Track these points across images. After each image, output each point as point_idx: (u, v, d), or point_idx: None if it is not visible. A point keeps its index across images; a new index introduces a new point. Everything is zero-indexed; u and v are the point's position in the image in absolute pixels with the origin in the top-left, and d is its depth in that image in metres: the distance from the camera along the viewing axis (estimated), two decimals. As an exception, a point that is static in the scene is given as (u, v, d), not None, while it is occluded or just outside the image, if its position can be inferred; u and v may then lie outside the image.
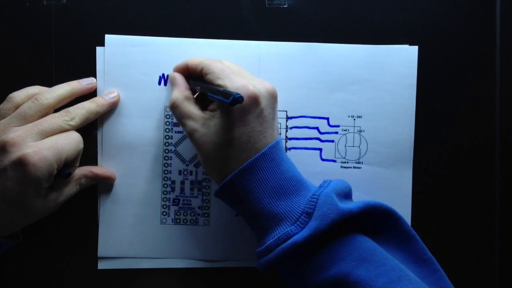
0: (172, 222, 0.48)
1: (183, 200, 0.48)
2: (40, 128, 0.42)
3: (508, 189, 0.49)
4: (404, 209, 0.48)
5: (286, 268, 0.40)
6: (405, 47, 0.48)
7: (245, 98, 0.38)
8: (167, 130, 0.48)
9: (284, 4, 0.48)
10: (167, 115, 0.48)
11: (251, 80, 0.40)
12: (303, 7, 0.48)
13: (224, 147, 0.39)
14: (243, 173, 0.39)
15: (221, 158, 0.40)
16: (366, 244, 0.38)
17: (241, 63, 0.47)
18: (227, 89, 0.39)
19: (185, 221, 0.48)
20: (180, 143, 0.48)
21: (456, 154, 0.49)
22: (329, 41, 0.48)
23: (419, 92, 0.48)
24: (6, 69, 0.48)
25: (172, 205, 0.48)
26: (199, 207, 0.48)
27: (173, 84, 0.45)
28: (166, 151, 0.48)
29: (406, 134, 0.48)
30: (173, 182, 0.48)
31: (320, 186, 0.40)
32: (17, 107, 0.43)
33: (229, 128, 0.39)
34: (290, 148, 0.48)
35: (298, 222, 0.38)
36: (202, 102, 0.43)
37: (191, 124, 0.41)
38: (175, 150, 0.48)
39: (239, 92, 0.38)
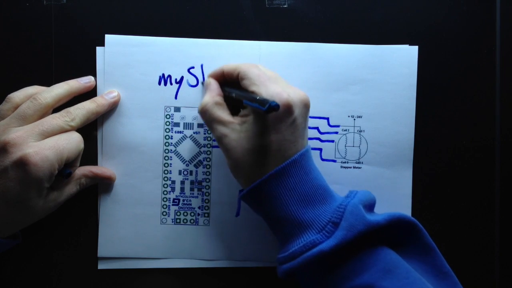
0: (172, 222, 0.48)
1: (183, 200, 0.48)
2: (40, 129, 0.42)
3: (508, 189, 0.49)
4: (404, 209, 0.48)
5: (308, 277, 0.40)
6: (405, 47, 0.48)
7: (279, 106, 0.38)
8: (167, 130, 0.48)
9: (284, 4, 0.48)
10: (167, 115, 0.48)
11: (286, 88, 0.40)
12: (303, 7, 0.48)
13: (253, 153, 0.39)
14: (272, 178, 0.39)
15: (249, 163, 0.40)
16: (390, 256, 0.38)
17: (241, 63, 0.47)
18: (262, 96, 0.38)
19: (185, 221, 0.48)
20: (180, 143, 0.48)
21: (456, 154, 0.49)
22: (329, 41, 0.48)
23: (419, 92, 0.48)
24: (6, 69, 0.48)
25: (172, 205, 0.48)
26: (199, 207, 0.48)
27: (206, 89, 0.45)
28: (166, 151, 0.48)
29: (406, 134, 0.48)
30: (173, 182, 0.48)
31: (347, 196, 0.40)
32: (16, 107, 0.43)
33: (260, 135, 0.39)
34: (290, 148, 0.48)
35: (324, 231, 0.38)
36: (233, 108, 0.43)
37: (220, 129, 0.41)
38: (175, 150, 0.48)
39: (273, 99, 0.37)
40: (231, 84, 0.44)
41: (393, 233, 0.40)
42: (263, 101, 0.36)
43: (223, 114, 0.42)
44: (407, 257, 0.40)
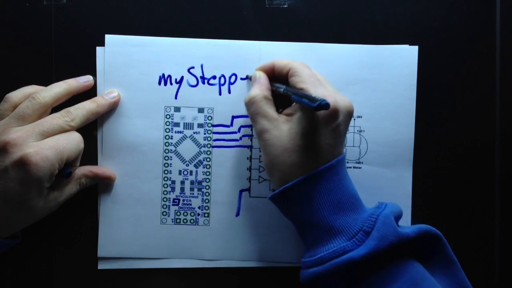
0: (172, 222, 0.48)
1: (183, 200, 0.48)
2: (41, 129, 0.42)
3: (508, 189, 0.49)
4: (404, 209, 0.48)
5: (333, 284, 0.39)
6: (405, 47, 0.48)
7: None
8: (167, 130, 0.48)
9: (284, 4, 0.48)
10: (167, 115, 0.48)
11: (333, 93, 0.40)
12: (303, 7, 0.48)
13: (292, 153, 0.39)
14: (309, 180, 0.39)
15: (287, 163, 0.39)
16: (417, 269, 0.38)
17: (241, 63, 0.47)
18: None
19: (185, 221, 0.48)
20: (180, 143, 0.48)
21: (456, 154, 0.49)
22: (329, 41, 0.48)
23: (419, 92, 0.48)
24: (6, 69, 0.48)
25: (172, 205, 0.48)
26: (199, 207, 0.48)
27: (255, 81, 0.44)
28: (166, 151, 0.48)
29: (406, 134, 0.48)
30: (173, 182, 0.48)
31: (377, 207, 0.40)
32: (14, 107, 0.43)
33: (303, 136, 0.39)
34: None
35: (355, 239, 0.38)
36: (278, 105, 0.43)
37: (264, 123, 0.41)
38: (175, 150, 0.48)
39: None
40: (278, 81, 0.44)
41: (419, 245, 0.40)
42: (313, 98, 0.36)
43: (270, 109, 0.42)
44: (431, 270, 0.40)
